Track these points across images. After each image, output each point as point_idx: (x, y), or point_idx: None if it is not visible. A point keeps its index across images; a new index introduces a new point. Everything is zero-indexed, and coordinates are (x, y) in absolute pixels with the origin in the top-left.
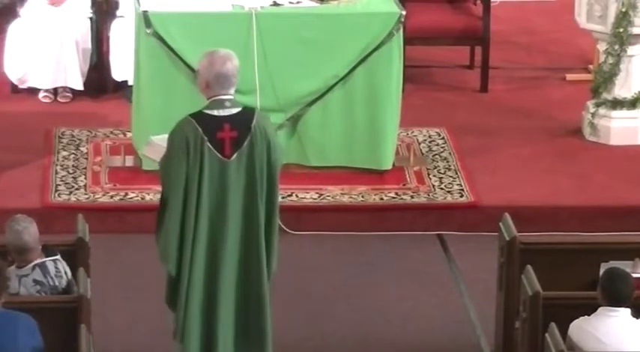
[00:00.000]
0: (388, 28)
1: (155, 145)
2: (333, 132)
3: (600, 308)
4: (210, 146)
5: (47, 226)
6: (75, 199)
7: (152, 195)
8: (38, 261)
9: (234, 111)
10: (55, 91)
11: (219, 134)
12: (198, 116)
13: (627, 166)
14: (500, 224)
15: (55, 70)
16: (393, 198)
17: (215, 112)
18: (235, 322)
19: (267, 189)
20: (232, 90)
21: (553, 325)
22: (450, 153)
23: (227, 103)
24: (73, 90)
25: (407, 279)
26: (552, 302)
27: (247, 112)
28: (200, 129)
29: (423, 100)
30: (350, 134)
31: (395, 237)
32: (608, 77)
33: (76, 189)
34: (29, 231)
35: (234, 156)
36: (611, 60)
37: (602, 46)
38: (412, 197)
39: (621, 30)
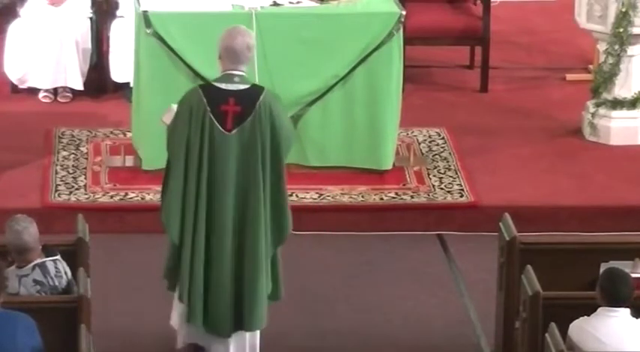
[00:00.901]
0: (388, 28)
1: (172, 112)
2: (333, 132)
3: (600, 309)
4: (212, 117)
5: (47, 226)
6: (75, 199)
7: (152, 195)
8: (38, 261)
9: (242, 87)
10: (55, 91)
11: (223, 107)
12: (207, 87)
13: (627, 166)
14: (500, 224)
15: (55, 70)
16: (393, 198)
17: (223, 85)
18: (232, 290)
19: (272, 164)
20: (243, 67)
21: (553, 325)
22: (450, 153)
23: (236, 78)
24: (73, 90)
25: (407, 279)
26: (552, 302)
27: (255, 90)
28: (205, 100)
29: (423, 100)
30: (350, 134)
31: (395, 237)
32: (608, 77)
33: (76, 189)
34: (29, 231)
35: (235, 130)
36: (611, 60)
37: (602, 46)
38: (412, 197)
39: (621, 30)
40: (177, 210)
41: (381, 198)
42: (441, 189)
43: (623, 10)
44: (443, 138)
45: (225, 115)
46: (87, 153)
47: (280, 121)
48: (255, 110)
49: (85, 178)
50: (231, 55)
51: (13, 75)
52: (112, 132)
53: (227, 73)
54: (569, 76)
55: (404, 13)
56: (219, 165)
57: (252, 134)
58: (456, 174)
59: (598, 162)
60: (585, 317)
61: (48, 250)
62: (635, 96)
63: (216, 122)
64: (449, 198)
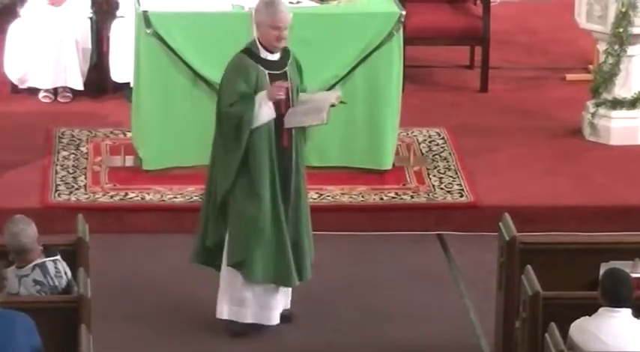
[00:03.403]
0: (388, 28)
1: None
2: (333, 132)
3: (601, 309)
4: None
5: (47, 226)
6: (75, 199)
7: (152, 194)
8: (38, 261)
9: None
10: (55, 91)
11: None
12: None
13: (627, 166)
14: (500, 224)
15: (55, 69)
16: (393, 198)
17: None
18: None
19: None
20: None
21: (553, 325)
22: (450, 153)
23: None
24: (73, 90)
25: (407, 279)
26: (552, 302)
27: (242, 49)
28: None
29: (423, 100)
30: (350, 134)
31: (395, 237)
32: (608, 77)
33: (76, 189)
34: (27, 232)
35: None
36: (611, 60)
37: (602, 46)
38: (412, 197)
39: (621, 30)
40: None
41: (381, 198)
42: (441, 189)
43: (623, 10)
44: (443, 138)
45: None
46: (87, 153)
47: (222, 80)
48: None
49: (85, 178)
50: None
51: (13, 75)
52: (112, 132)
53: None
54: (569, 76)
55: (404, 13)
56: None
57: None
58: (456, 174)
59: (598, 162)
60: (587, 317)
61: (48, 250)
62: (635, 96)
63: None
64: (449, 198)
